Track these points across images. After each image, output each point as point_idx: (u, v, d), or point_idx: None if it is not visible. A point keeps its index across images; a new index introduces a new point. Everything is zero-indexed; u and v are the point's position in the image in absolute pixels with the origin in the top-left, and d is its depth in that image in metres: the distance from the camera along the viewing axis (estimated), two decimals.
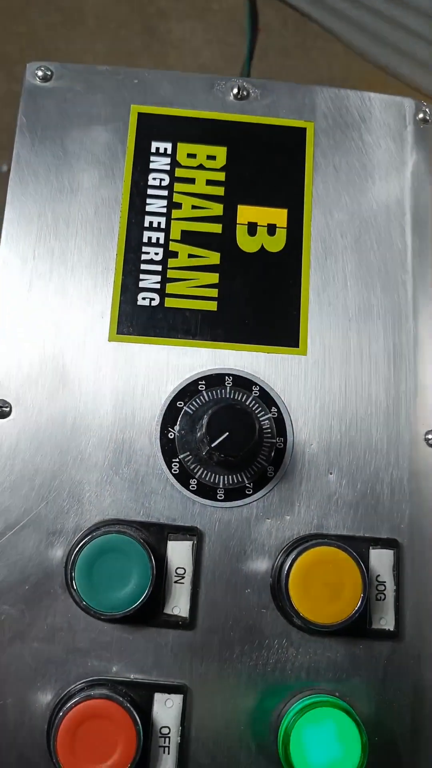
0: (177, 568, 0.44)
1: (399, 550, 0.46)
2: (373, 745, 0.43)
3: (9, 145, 1.45)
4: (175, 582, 0.44)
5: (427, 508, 0.47)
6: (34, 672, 0.43)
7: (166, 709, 0.43)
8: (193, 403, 0.47)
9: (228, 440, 0.42)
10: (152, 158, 0.50)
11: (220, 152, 0.51)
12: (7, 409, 0.46)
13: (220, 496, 0.46)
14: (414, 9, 1.33)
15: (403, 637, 0.45)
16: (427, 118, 0.54)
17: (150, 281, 0.49)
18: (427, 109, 0.54)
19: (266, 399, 0.47)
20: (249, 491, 0.46)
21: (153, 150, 0.51)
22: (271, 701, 0.44)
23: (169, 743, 0.42)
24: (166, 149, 0.51)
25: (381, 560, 0.46)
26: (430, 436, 0.48)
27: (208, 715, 0.43)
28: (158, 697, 0.43)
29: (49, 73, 0.52)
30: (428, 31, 1.36)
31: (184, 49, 1.54)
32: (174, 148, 0.51)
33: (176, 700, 0.43)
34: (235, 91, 0.52)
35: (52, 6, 1.51)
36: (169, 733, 0.42)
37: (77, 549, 0.42)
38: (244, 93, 0.52)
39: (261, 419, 0.46)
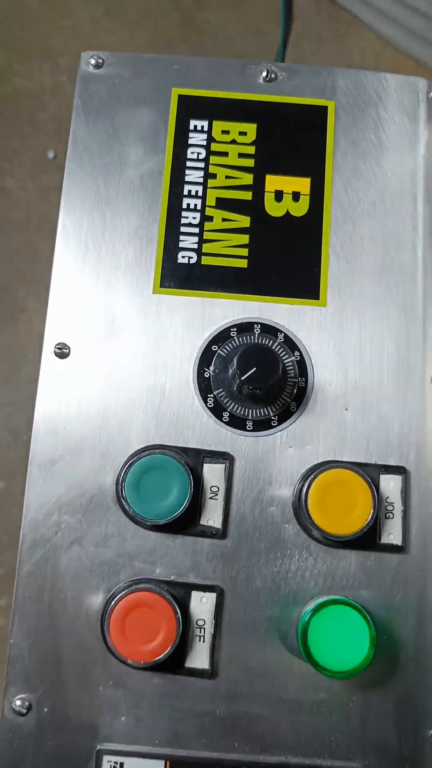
0: (212, 486, 0.51)
1: (407, 476, 0.52)
2: (381, 643, 0.50)
3: (56, 132, 1.54)
4: (210, 498, 0.51)
5: None
6: (90, 571, 0.51)
7: (202, 605, 0.50)
8: (226, 347, 0.53)
9: (255, 374, 0.49)
10: (191, 135, 0.57)
11: (251, 129, 0.58)
12: (67, 351, 0.53)
13: (249, 427, 0.53)
14: None
15: (409, 551, 0.51)
16: None
17: (189, 242, 0.56)
18: None
19: (290, 344, 0.54)
20: (274, 423, 0.53)
21: (191, 127, 0.58)
22: (292, 602, 0.51)
23: (204, 633, 0.49)
24: (203, 126, 0.58)
25: (390, 484, 0.52)
26: None
27: (238, 612, 0.50)
28: (195, 595, 0.50)
29: (101, 61, 0.59)
30: None
31: (220, 38, 1.60)
32: (210, 126, 0.58)
33: (210, 597, 0.50)
34: (264, 74, 0.59)
35: None
36: (204, 624, 0.50)
37: (127, 466, 0.50)
38: (273, 75, 0.59)
39: (285, 360, 0.53)
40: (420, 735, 0.50)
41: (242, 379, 0.49)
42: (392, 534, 0.51)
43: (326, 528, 0.49)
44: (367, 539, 0.51)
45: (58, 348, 0.53)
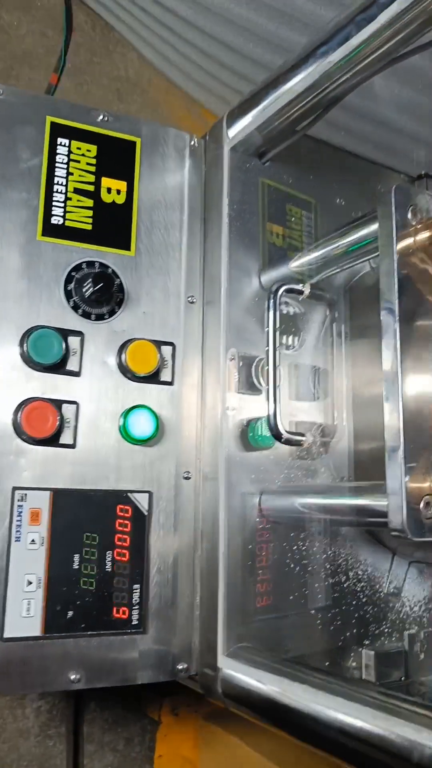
0: (72, 349, 0.93)
1: (174, 346, 1.00)
2: (159, 428, 0.97)
3: None
4: (72, 355, 0.93)
5: (192, 331, 1.02)
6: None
7: (69, 409, 0.92)
8: (80, 272, 0.95)
9: (98, 289, 0.92)
10: (58, 147, 0.97)
11: (93, 148, 1.00)
12: None
13: (93, 318, 0.95)
14: (191, 43, 1.88)
15: (174, 383, 0.99)
16: (195, 144, 1.08)
17: (58, 211, 0.96)
18: (195, 138, 1.08)
19: (115, 274, 0.98)
20: (107, 317, 0.96)
21: (59, 143, 0.98)
22: (120, 410, 0.95)
23: (70, 424, 0.92)
24: (66, 143, 0.98)
25: (167, 350, 0.99)
26: (189, 298, 1.03)
27: (90, 414, 0.93)
28: (64, 405, 0.92)
29: (1, 91, 0.96)
30: (196, 56, 1.92)
31: (12, 34, 1.92)
32: (70, 143, 0.98)
33: (73, 407, 0.92)
34: (101, 117, 1.01)
35: None
36: (70, 420, 0.92)
37: (27, 334, 0.89)
38: (105, 118, 1.01)
39: (114, 282, 0.97)
40: (179, 477, 0.98)
41: (93, 290, 0.92)
42: (167, 375, 0.99)
43: (136, 371, 0.95)
44: (155, 378, 0.97)
45: None
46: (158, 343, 0.99)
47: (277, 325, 0.82)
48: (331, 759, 0.76)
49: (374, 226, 0.87)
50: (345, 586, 1.04)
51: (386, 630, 1.07)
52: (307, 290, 0.85)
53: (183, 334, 1.02)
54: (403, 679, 1.06)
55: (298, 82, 0.87)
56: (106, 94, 2.05)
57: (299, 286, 0.85)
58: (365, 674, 1.03)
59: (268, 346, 0.83)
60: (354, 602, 1.05)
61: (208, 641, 0.95)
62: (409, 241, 0.78)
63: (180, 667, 0.95)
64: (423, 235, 0.78)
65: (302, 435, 0.83)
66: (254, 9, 1.60)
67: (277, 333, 0.82)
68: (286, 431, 0.82)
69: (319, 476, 1.05)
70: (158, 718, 1.39)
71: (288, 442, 0.83)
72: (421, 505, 0.73)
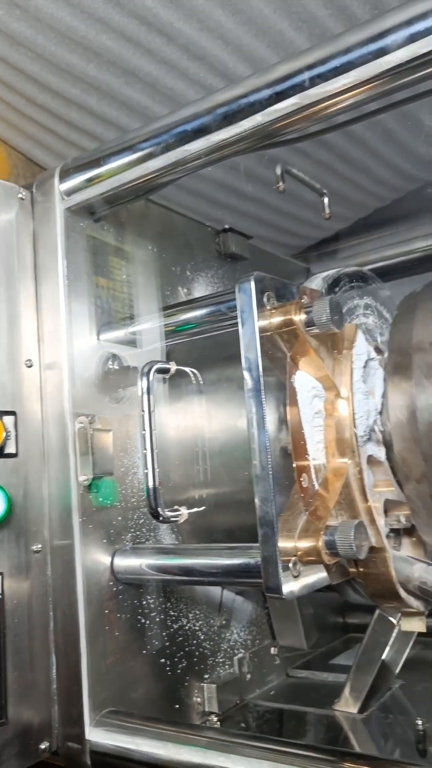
0: None
1: (16, 416, 0.95)
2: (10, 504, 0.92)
3: None
4: None
5: (30, 396, 0.97)
6: None
7: None
8: None
9: None
10: None
11: None
12: None
13: None
14: None
15: (19, 456, 0.95)
16: (23, 197, 1.02)
17: None
18: (23, 190, 1.02)
19: None
20: None
21: None
22: None
23: None
24: None
25: (8, 421, 0.94)
26: (27, 362, 0.98)
27: None
28: None
29: None
30: None
31: None
32: None
33: None
34: None
35: None
36: None
37: None
38: None
39: None
40: (30, 553, 0.94)
41: None
42: (11, 448, 0.94)
43: None
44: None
45: None
46: (0, 414, 0.93)
47: (153, 407, 0.84)
48: None
49: (214, 307, 0.93)
50: (187, 628, 1.10)
51: (221, 660, 1.16)
52: (173, 369, 0.88)
53: (23, 401, 0.97)
54: (238, 702, 1.16)
55: (156, 158, 0.89)
56: None
57: (167, 365, 0.87)
58: (208, 706, 1.11)
59: (144, 429, 0.84)
60: (195, 641, 1.11)
61: (69, 713, 0.94)
62: (264, 323, 0.86)
63: (42, 746, 0.92)
64: (277, 319, 0.86)
65: (178, 510, 0.86)
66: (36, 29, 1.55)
67: (153, 414, 0.84)
68: (165, 510, 0.85)
69: (161, 529, 1.09)
70: None
71: (165, 520, 0.85)
72: (290, 565, 0.82)
